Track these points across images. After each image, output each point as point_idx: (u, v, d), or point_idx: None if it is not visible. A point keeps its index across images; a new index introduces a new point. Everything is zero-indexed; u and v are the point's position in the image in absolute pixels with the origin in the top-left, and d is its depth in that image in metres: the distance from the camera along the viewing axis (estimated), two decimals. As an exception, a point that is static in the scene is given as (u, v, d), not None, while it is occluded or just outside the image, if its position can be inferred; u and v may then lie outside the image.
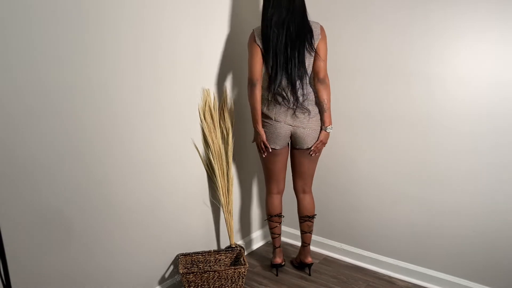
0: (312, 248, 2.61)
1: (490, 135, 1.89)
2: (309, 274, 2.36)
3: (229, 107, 2.25)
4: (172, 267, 2.15)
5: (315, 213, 2.31)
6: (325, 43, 2.02)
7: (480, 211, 1.98)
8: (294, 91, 2.00)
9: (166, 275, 2.12)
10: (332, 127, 2.12)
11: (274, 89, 2.00)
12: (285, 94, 2.01)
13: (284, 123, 2.06)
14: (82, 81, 1.61)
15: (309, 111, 2.05)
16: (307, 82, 2.03)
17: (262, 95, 2.09)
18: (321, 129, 2.11)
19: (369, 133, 2.29)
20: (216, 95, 2.23)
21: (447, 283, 2.14)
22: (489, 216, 1.96)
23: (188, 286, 1.99)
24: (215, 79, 2.23)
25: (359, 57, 2.24)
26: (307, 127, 2.06)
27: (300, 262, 2.39)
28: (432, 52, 1.98)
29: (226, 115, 2.23)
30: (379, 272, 2.38)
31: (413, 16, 2.01)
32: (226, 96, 2.25)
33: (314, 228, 2.45)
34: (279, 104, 2.04)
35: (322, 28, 2.02)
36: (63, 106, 1.56)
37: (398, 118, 2.16)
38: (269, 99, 2.05)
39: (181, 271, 1.98)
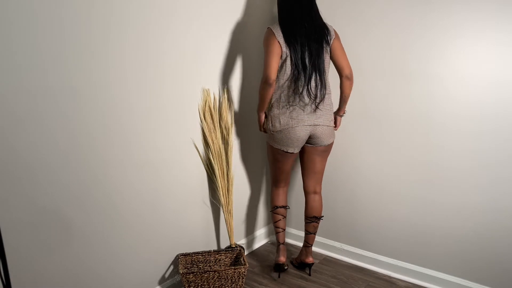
0: (312, 248, 2.61)
1: (490, 134, 1.89)
2: (309, 274, 2.36)
3: (229, 107, 2.25)
4: (172, 267, 2.15)
5: (322, 215, 2.31)
6: (340, 43, 2.07)
7: (480, 211, 1.98)
8: (315, 91, 2.01)
9: (166, 275, 2.12)
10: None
11: (302, 86, 1.99)
12: (311, 91, 2.01)
13: (304, 124, 2.04)
14: (83, 82, 1.61)
15: (327, 112, 2.09)
16: (327, 82, 2.06)
17: (278, 96, 2.06)
18: (335, 119, 2.20)
19: (369, 133, 2.29)
20: (216, 95, 2.23)
21: (447, 283, 2.14)
22: (489, 216, 1.96)
23: (188, 286, 1.99)
24: (215, 79, 2.23)
25: (360, 58, 2.24)
26: (326, 124, 2.08)
27: (301, 262, 2.39)
28: (432, 52, 1.98)
29: (226, 115, 2.23)
30: (379, 272, 2.38)
31: (413, 16, 2.01)
32: (226, 96, 2.25)
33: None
34: (304, 102, 2.02)
35: (335, 30, 2.08)
36: (65, 106, 1.57)
37: (398, 118, 2.16)
38: (289, 100, 2.03)
39: (181, 271, 1.98)
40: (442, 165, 2.06)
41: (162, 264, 2.09)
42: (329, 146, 2.19)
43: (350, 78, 2.06)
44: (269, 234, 2.84)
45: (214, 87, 2.23)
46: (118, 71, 1.74)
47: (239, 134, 2.44)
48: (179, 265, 2.04)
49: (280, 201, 2.32)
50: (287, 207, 2.36)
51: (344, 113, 2.21)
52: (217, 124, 2.19)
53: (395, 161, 2.22)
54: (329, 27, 2.05)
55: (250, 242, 2.69)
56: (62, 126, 1.57)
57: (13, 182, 1.45)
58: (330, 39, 2.02)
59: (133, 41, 1.77)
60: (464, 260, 2.08)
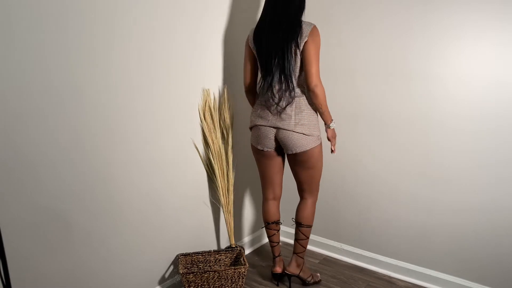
0: (312, 248, 2.61)
1: (490, 134, 1.89)
2: (289, 286, 2.21)
3: (229, 107, 2.25)
4: (172, 267, 2.15)
5: (308, 224, 2.14)
6: (315, 46, 1.87)
7: (480, 211, 1.98)
8: (279, 94, 1.94)
9: (166, 275, 2.13)
10: (334, 122, 2.03)
11: (263, 91, 1.98)
12: (271, 96, 1.95)
13: (268, 125, 1.99)
14: (86, 81, 1.62)
15: (293, 117, 1.94)
16: (294, 85, 1.92)
17: (257, 96, 2.08)
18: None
19: (369, 133, 2.29)
20: (216, 95, 2.23)
21: (447, 283, 2.14)
22: (489, 216, 1.96)
23: (188, 286, 1.99)
24: (215, 79, 2.23)
25: (360, 57, 2.24)
26: (291, 131, 1.94)
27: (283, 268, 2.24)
28: (432, 52, 1.98)
29: (226, 115, 2.23)
30: (379, 272, 2.38)
31: (414, 16, 2.01)
32: (226, 96, 2.25)
33: (314, 228, 2.45)
34: (270, 103, 1.97)
35: (313, 29, 1.87)
36: (68, 105, 1.57)
37: (399, 118, 2.16)
38: (261, 99, 2.01)
39: (181, 271, 1.98)
40: (442, 165, 2.06)
41: (162, 264, 2.09)
42: (306, 156, 1.99)
43: (315, 91, 1.87)
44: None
45: (214, 87, 2.23)
46: (120, 71, 1.74)
47: (239, 134, 2.44)
48: (179, 265, 2.04)
49: (270, 217, 2.21)
50: (280, 222, 2.24)
51: (330, 122, 2.00)
52: (217, 124, 2.19)
53: (395, 161, 2.22)
54: (304, 27, 1.86)
55: (250, 242, 2.69)
56: (65, 126, 1.57)
57: (15, 181, 1.45)
58: (301, 42, 1.86)
59: (135, 41, 1.78)
60: (464, 260, 2.08)
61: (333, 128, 2.06)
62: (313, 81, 1.87)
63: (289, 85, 1.92)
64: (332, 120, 2.02)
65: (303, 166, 2.04)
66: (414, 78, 2.06)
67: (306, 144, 1.96)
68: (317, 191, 2.16)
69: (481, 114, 1.90)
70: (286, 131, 1.95)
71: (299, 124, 1.94)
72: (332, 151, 2.10)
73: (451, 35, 1.92)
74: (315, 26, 1.90)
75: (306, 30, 1.87)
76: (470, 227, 2.03)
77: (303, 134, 1.95)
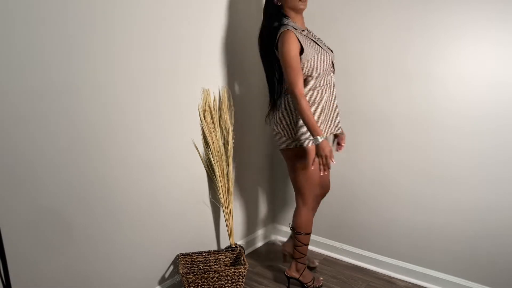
0: (312, 248, 2.61)
1: (490, 134, 1.89)
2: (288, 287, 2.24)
3: (229, 107, 2.25)
4: (172, 267, 2.15)
5: (301, 231, 2.09)
6: (282, 53, 1.81)
7: (480, 211, 1.98)
8: (275, 95, 2.05)
9: (166, 275, 2.13)
10: (319, 138, 1.77)
11: None
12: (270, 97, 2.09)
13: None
14: (87, 81, 1.62)
15: (276, 114, 2.04)
16: (277, 89, 2.02)
17: None
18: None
19: (370, 133, 2.29)
20: (216, 95, 2.23)
21: (447, 283, 2.14)
22: (490, 216, 1.96)
23: (188, 286, 1.99)
24: (215, 79, 2.23)
25: (361, 57, 2.24)
26: (272, 125, 2.07)
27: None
28: (433, 52, 1.98)
29: (226, 115, 2.23)
30: (379, 272, 2.38)
31: (414, 16, 2.01)
32: (226, 96, 2.25)
33: (315, 228, 2.44)
34: None
35: (281, 35, 1.83)
36: (68, 105, 1.57)
37: (399, 118, 2.16)
38: None
39: (181, 271, 1.98)
40: (442, 165, 2.06)
41: (162, 264, 2.09)
42: (284, 155, 2.04)
43: (292, 95, 1.82)
44: (268, 234, 2.84)
45: (214, 87, 2.23)
46: (121, 71, 1.74)
47: (239, 134, 2.44)
48: (179, 265, 2.04)
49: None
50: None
51: (314, 136, 1.78)
52: (217, 124, 2.19)
53: (395, 161, 2.22)
54: (278, 34, 1.85)
55: (250, 242, 2.69)
56: (65, 126, 1.58)
57: (15, 181, 1.45)
58: (275, 48, 1.90)
59: (136, 42, 1.78)
60: (464, 260, 2.08)
61: (318, 144, 1.78)
62: (288, 89, 1.87)
63: (274, 92, 2.04)
64: (317, 135, 1.77)
65: (287, 163, 2.10)
66: (414, 78, 2.06)
67: (280, 143, 2.04)
68: (304, 196, 2.05)
69: (482, 114, 1.90)
70: (273, 128, 2.07)
71: (274, 121, 2.05)
72: (320, 169, 1.82)
73: (451, 35, 1.92)
74: (284, 31, 1.82)
75: (278, 36, 1.87)
76: (470, 227, 2.03)
77: (277, 132, 2.03)
